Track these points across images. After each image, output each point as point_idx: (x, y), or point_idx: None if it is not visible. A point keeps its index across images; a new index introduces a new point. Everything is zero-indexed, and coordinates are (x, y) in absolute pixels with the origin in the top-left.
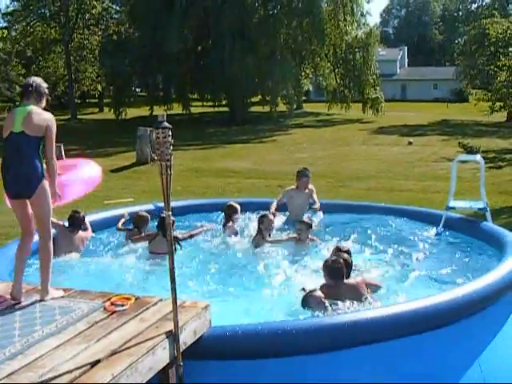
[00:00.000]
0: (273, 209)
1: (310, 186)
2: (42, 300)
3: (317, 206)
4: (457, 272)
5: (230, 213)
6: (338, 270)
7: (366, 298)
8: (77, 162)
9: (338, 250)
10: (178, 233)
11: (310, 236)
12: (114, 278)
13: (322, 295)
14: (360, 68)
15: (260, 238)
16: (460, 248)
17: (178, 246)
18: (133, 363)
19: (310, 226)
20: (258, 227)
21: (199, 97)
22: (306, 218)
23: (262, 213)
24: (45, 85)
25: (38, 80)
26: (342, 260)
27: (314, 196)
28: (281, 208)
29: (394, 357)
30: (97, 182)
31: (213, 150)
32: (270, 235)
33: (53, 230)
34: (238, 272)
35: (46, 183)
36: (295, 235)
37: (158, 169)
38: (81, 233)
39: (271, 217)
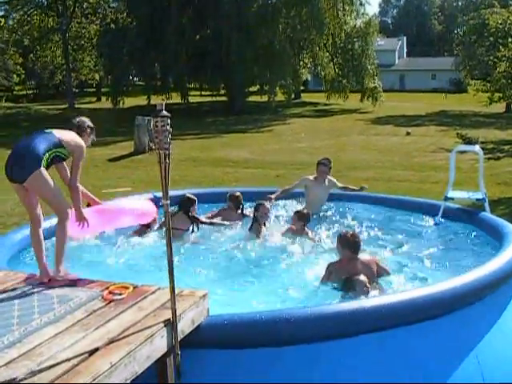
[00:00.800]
0: (274, 195)
1: (332, 178)
2: (52, 279)
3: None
4: (455, 261)
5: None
6: (357, 243)
7: (374, 282)
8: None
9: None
10: (202, 216)
11: (305, 228)
12: (130, 254)
13: (367, 280)
14: (358, 58)
15: (257, 225)
16: (458, 238)
17: (195, 228)
18: (131, 352)
19: (307, 219)
20: (254, 215)
21: (197, 86)
22: (304, 209)
23: (259, 201)
24: (89, 123)
25: (83, 118)
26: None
27: (340, 184)
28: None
29: (391, 347)
30: (147, 219)
31: (211, 139)
32: (265, 224)
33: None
34: (237, 261)
35: (42, 171)
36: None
37: (157, 157)
38: None
39: (267, 205)
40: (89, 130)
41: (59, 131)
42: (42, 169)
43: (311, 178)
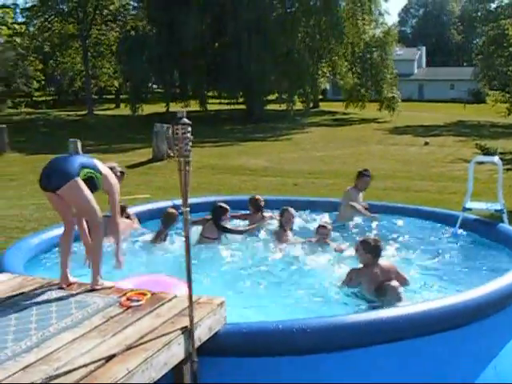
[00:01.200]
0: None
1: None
2: (92, 289)
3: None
4: (473, 273)
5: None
6: (379, 247)
7: None
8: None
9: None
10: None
11: (328, 240)
12: (161, 260)
13: (399, 284)
14: (377, 67)
15: (281, 231)
16: (476, 249)
17: (224, 237)
18: (148, 358)
19: (330, 230)
20: (279, 221)
21: (216, 94)
22: (323, 221)
23: (284, 207)
24: (119, 169)
25: (113, 164)
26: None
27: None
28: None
29: (409, 358)
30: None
31: (229, 147)
32: (291, 229)
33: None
34: (258, 267)
35: (78, 181)
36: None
37: (177, 165)
38: (124, 220)
39: (292, 210)
40: (119, 174)
41: (99, 162)
42: (78, 178)
43: (352, 187)
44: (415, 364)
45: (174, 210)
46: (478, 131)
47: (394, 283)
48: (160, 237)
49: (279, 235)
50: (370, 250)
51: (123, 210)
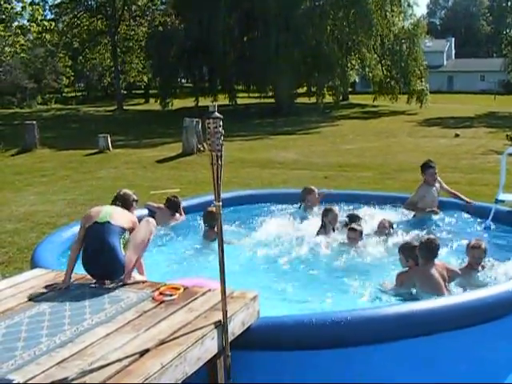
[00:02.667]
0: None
1: (440, 180)
2: (124, 284)
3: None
4: (506, 265)
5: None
6: (437, 248)
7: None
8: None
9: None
10: None
11: (360, 242)
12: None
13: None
14: (406, 59)
15: (323, 232)
16: (509, 241)
17: None
18: (182, 353)
19: (361, 233)
20: (322, 220)
21: (245, 88)
22: (355, 224)
23: (328, 206)
24: (133, 197)
25: (127, 192)
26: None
27: (445, 186)
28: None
29: (445, 350)
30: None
31: (258, 141)
32: (334, 229)
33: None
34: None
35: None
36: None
37: (208, 159)
38: (177, 216)
39: (336, 210)
40: (134, 204)
41: (114, 215)
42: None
43: (422, 184)
44: (447, 358)
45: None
46: (509, 122)
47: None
48: (211, 235)
49: (323, 235)
50: (434, 253)
51: (179, 204)
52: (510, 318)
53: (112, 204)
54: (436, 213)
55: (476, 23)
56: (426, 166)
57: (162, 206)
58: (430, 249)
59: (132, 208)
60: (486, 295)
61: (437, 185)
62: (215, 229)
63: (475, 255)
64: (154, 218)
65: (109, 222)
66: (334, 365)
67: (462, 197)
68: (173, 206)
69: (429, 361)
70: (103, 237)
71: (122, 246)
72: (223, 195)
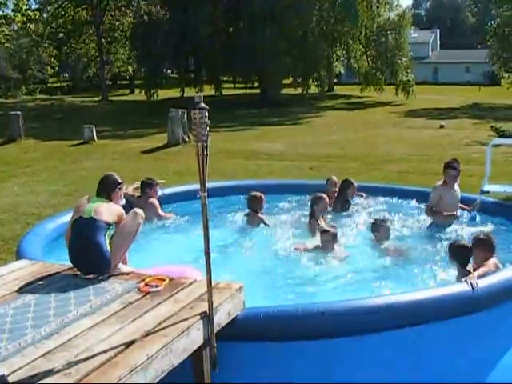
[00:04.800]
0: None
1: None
2: (110, 275)
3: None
4: (443, 229)
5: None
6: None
7: None
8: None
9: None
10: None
11: (335, 247)
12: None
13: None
14: (392, 50)
15: (314, 221)
16: (494, 232)
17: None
18: (167, 344)
19: (335, 236)
20: (312, 208)
21: (231, 78)
22: (329, 226)
23: (318, 193)
24: (115, 179)
25: (109, 175)
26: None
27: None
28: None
29: (432, 341)
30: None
31: (244, 131)
32: (323, 217)
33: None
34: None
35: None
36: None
37: (195, 149)
38: (154, 202)
39: (326, 198)
40: (117, 189)
41: (99, 210)
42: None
43: (440, 183)
44: (435, 349)
45: (258, 193)
46: (494, 114)
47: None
48: (254, 220)
49: (313, 226)
50: (490, 246)
51: (149, 185)
52: (494, 310)
53: (97, 190)
54: (455, 217)
55: (461, 15)
56: (449, 167)
57: (137, 194)
58: (493, 243)
59: (115, 193)
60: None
61: (456, 187)
62: (259, 214)
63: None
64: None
65: (93, 218)
66: (320, 356)
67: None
68: (144, 185)
69: (414, 352)
70: (87, 233)
71: (107, 240)
72: (213, 185)
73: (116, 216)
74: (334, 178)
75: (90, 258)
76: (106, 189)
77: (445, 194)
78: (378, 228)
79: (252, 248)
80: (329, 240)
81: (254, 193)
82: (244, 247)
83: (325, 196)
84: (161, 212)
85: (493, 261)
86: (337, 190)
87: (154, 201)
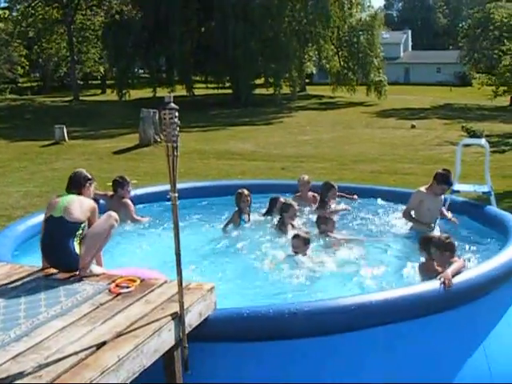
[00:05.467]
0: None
1: None
2: (82, 277)
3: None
4: (460, 256)
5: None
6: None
7: None
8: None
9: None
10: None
11: (308, 252)
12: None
13: None
14: (364, 51)
15: (284, 227)
16: (464, 232)
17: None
18: (138, 345)
19: (307, 241)
20: (281, 215)
21: (203, 79)
22: (302, 231)
23: (287, 200)
24: (85, 175)
25: (78, 171)
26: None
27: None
28: None
29: (398, 340)
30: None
31: (216, 132)
32: (293, 225)
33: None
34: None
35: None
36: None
37: (165, 150)
38: (129, 203)
39: (296, 205)
40: (87, 184)
41: (70, 208)
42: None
43: (423, 189)
44: (401, 349)
45: (245, 190)
46: (465, 114)
47: None
48: (235, 219)
49: (282, 231)
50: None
51: (121, 185)
52: (463, 308)
53: (67, 186)
54: (431, 228)
55: (433, 16)
56: (443, 181)
57: (109, 193)
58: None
59: (85, 188)
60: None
61: (441, 196)
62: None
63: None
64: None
65: (63, 218)
66: (291, 355)
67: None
68: (116, 185)
69: (386, 350)
70: (54, 234)
71: (76, 239)
72: (179, 186)
73: (88, 211)
74: (306, 176)
75: (57, 257)
76: (76, 184)
77: (427, 199)
78: (287, 208)
79: (227, 251)
80: (299, 246)
81: (282, 199)
82: (220, 249)
83: (294, 203)
84: (135, 216)
85: (461, 260)
86: (309, 188)
87: (128, 202)
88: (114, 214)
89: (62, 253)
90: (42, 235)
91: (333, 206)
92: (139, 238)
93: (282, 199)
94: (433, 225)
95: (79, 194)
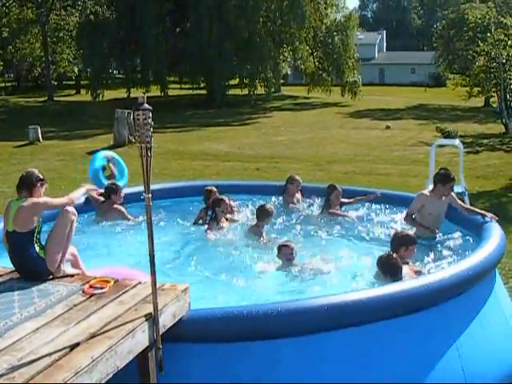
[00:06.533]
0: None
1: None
2: (54, 277)
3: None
4: (434, 256)
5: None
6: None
7: None
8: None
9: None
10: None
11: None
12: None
13: None
14: (339, 51)
15: (215, 222)
16: (439, 233)
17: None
18: (112, 346)
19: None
20: (213, 210)
21: (177, 79)
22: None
23: (220, 196)
24: (37, 175)
25: (30, 171)
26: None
27: (456, 200)
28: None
29: (371, 341)
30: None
31: (190, 132)
32: (227, 219)
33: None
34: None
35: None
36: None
37: (138, 151)
38: (120, 208)
39: (227, 200)
40: (38, 185)
41: (18, 218)
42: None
43: (427, 192)
44: (375, 349)
45: (214, 188)
46: (439, 114)
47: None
48: (202, 216)
49: (214, 226)
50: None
51: (113, 191)
52: (437, 308)
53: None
54: (435, 233)
55: (407, 16)
56: (446, 179)
57: (102, 198)
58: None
59: (36, 188)
60: (413, 287)
61: (444, 198)
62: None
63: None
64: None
65: (15, 231)
66: (266, 356)
67: (480, 211)
68: (110, 191)
69: (359, 351)
70: (14, 248)
71: (37, 244)
72: (153, 187)
73: (38, 210)
74: (297, 177)
75: (24, 270)
76: (28, 184)
77: (429, 203)
78: (219, 203)
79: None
80: (287, 253)
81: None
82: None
83: (225, 198)
84: (130, 217)
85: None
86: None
87: (119, 207)
88: (70, 209)
89: (26, 265)
90: (8, 250)
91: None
92: (119, 236)
93: (217, 194)
94: (437, 230)
95: (30, 193)
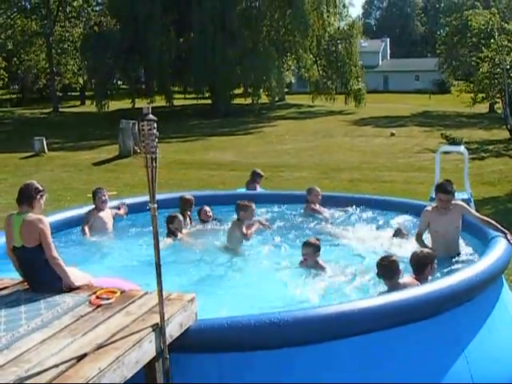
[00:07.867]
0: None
1: (461, 204)
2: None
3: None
4: (440, 263)
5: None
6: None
7: None
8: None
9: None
10: None
11: (319, 261)
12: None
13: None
14: (343, 60)
15: (173, 238)
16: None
17: None
18: (119, 357)
19: (318, 248)
20: (168, 228)
21: (181, 89)
22: (312, 238)
23: (173, 213)
24: (36, 187)
25: (29, 183)
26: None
27: (472, 213)
28: None
29: (380, 349)
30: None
31: (195, 142)
32: (178, 233)
33: None
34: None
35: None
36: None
37: (143, 161)
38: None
39: (180, 217)
40: (38, 196)
41: (24, 234)
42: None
43: (429, 208)
44: (386, 356)
45: (190, 196)
46: (444, 121)
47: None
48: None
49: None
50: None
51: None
52: (445, 315)
53: (17, 199)
54: (448, 253)
55: (410, 24)
56: (436, 190)
57: (114, 210)
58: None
59: (36, 200)
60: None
61: (452, 212)
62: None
63: None
64: None
65: (24, 247)
66: (272, 366)
67: (494, 223)
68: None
69: (368, 359)
70: (28, 263)
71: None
72: (158, 197)
73: (39, 229)
74: (316, 188)
75: (38, 283)
76: (28, 198)
77: (433, 220)
78: (172, 220)
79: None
80: (308, 253)
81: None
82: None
83: (179, 215)
84: (113, 211)
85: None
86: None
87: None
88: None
89: (38, 278)
90: (18, 265)
91: (326, 214)
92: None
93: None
94: (450, 249)
95: (30, 205)
